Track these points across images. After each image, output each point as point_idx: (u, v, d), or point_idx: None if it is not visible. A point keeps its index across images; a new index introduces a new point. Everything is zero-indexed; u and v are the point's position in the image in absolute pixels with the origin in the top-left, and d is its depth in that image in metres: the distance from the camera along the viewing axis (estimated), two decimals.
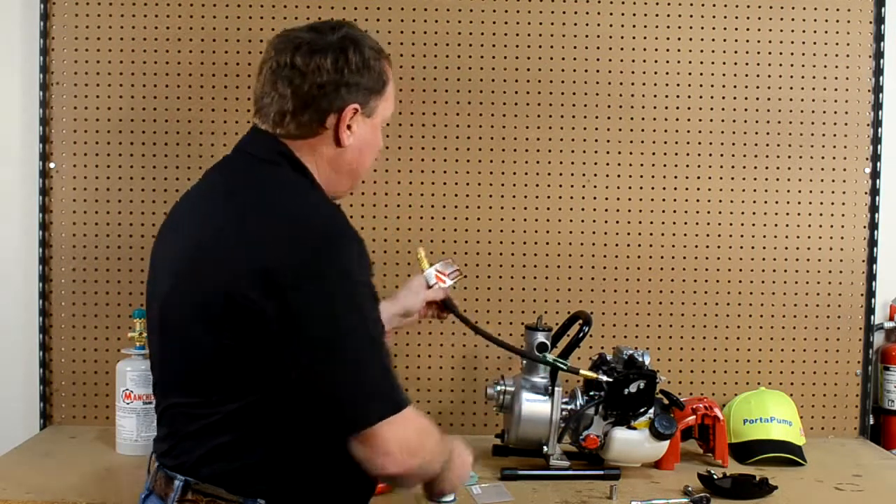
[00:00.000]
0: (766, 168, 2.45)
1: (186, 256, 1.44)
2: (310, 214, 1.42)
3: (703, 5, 2.43)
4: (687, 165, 2.44)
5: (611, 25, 2.43)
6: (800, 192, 2.45)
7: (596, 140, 2.44)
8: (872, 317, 2.46)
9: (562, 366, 1.97)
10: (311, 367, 1.36)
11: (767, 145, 2.45)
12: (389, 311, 1.91)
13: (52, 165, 2.41)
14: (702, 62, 2.43)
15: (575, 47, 2.43)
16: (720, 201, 2.45)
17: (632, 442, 2.01)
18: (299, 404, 1.38)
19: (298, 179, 1.48)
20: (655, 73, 2.43)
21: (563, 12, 2.43)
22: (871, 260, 2.46)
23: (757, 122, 2.45)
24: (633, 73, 2.43)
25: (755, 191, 2.45)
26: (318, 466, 1.44)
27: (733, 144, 2.45)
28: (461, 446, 1.59)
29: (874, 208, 2.46)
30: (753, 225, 2.45)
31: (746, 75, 2.44)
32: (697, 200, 2.45)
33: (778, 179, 2.45)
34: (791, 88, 2.44)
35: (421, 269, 2.01)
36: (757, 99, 2.44)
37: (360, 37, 1.51)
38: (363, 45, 1.49)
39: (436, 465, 1.49)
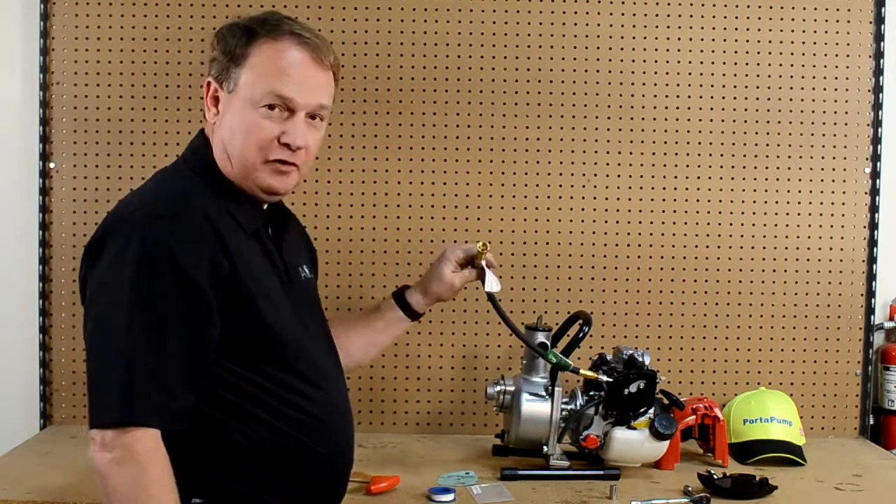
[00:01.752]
0: (766, 168, 2.45)
1: None
2: (132, 197, 1.45)
3: (703, 5, 2.43)
4: (687, 165, 2.44)
5: (611, 25, 2.43)
6: (800, 192, 2.45)
7: (596, 140, 2.44)
8: (872, 317, 2.46)
9: (564, 363, 1.96)
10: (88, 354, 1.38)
11: (767, 145, 2.45)
12: (419, 301, 1.93)
13: (52, 165, 2.41)
14: (702, 62, 2.43)
15: (575, 47, 2.43)
16: (720, 201, 2.45)
17: (632, 442, 2.01)
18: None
19: (176, 168, 1.53)
20: (655, 73, 2.43)
21: (563, 12, 2.43)
22: (871, 260, 2.46)
23: (757, 122, 2.45)
24: (633, 73, 2.43)
25: (755, 191, 2.45)
26: (249, 462, 1.43)
27: (733, 144, 2.45)
28: None
29: (874, 208, 2.46)
30: (753, 225, 2.45)
31: (746, 75, 2.44)
32: (697, 200, 2.45)
33: (778, 179, 2.45)
34: (791, 88, 2.44)
35: (481, 256, 1.93)
36: (757, 99, 2.44)
37: (250, 18, 1.51)
38: (233, 23, 1.51)
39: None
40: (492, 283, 1.92)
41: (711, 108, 2.44)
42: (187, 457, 1.38)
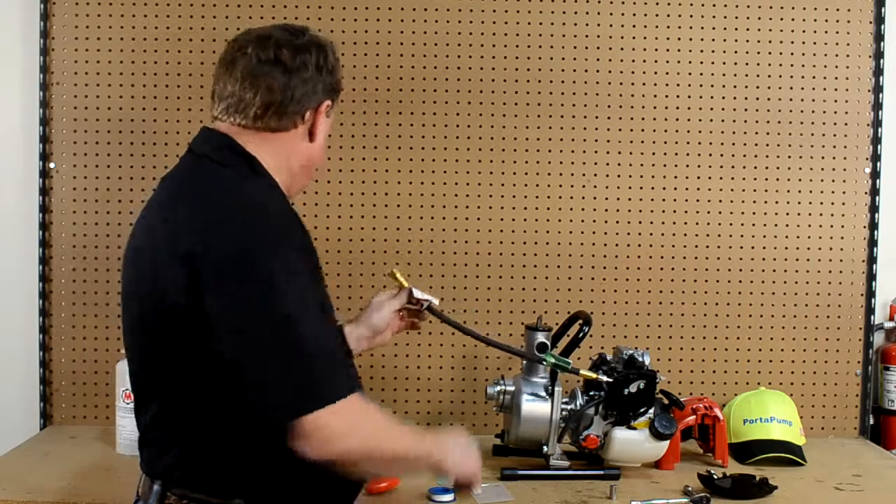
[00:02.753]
0: (766, 168, 2.45)
1: (131, 258, 1.50)
2: (244, 198, 1.43)
3: (703, 5, 2.43)
4: (687, 165, 2.44)
5: (611, 25, 2.43)
6: (800, 192, 2.45)
7: (596, 140, 2.44)
8: (872, 317, 2.46)
9: (564, 365, 1.97)
10: (238, 354, 1.36)
11: (767, 145, 2.45)
12: (354, 334, 1.86)
13: (52, 165, 2.41)
14: (702, 62, 2.43)
15: (575, 47, 2.43)
16: (720, 201, 2.45)
17: (632, 442, 2.01)
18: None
19: (236, 169, 1.49)
20: (655, 73, 2.43)
21: (563, 12, 2.43)
22: (871, 260, 2.46)
23: (757, 122, 2.45)
24: (633, 73, 2.43)
25: (755, 191, 2.45)
26: (290, 462, 1.42)
27: (733, 144, 2.45)
28: (454, 440, 1.58)
29: (874, 208, 2.46)
30: (753, 225, 2.45)
31: (746, 75, 2.44)
32: (697, 200, 2.45)
33: (778, 179, 2.45)
34: (791, 88, 2.44)
35: (395, 278, 1.91)
36: (757, 99, 2.44)
37: (326, 41, 1.57)
38: (330, 50, 1.57)
39: (388, 456, 1.45)
40: (423, 295, 1.88)
41: (711, 108, 2.44)
42: (234, 458, 1.41)
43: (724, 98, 2.44)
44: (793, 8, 2.43)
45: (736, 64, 2.44)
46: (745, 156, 2.45)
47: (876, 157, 2.46)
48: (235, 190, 1.44)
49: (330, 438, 1.35)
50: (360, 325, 1.88)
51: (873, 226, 2.46)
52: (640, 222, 2.44)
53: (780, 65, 2.44)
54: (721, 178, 2.45)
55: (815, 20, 2.43)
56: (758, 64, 2.44)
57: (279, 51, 1.49)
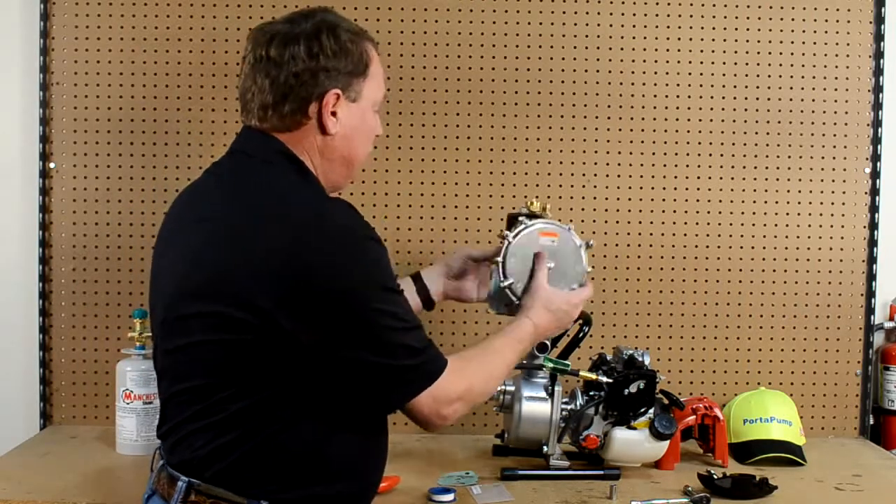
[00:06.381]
0: (766, 168, 2.45)
1: (192, 260, 1.42)
2: (323, 213, 1.41)
3: (703, 5, 2.43)
4: (687, 165, 2.44)
5: (611, 25, 2.43)
6: (800, 192, 2.45)
7: (596, 140, 2.44)
8: (872, 317, 2.46)
9: (563, 367, 1.96)
10: (352, 357, 1.38)
11: (767, 145, 2.45)
12: (433, 275, 2.00)
13: (52, 165, 2.41)
14: (702, 62, 2.43)
15: (575, 47, 2.43)
16: (720, 201, 2.45)
17: (632, 442, 2.01)
18: (314, 398, 1.41)
19: (299, 180, 1.48)
20: (655, 73, 2.43)
21: (563, 12, 2.43)
22: (871, 260, 2.46)
23: (757, 122, 2.45)
24: (633, 73, 2.43)
25: (755, 190, 2.45)
26: (323, 464, 1.45)
27: (733, 144, 2.45)
28: (536, 313, 1.70)
29: (874, 208, 2.46)
30: (753, 224, 2.45)
31: (746, 75, 2.44)
32: (697, 200, 2.45)
33: (778, 179, 2.45)
34: (791, 88, 2.44)
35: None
36: (757, 99, 2.44)
37: (336, 21, 1.50)
38: (338, 29, 1.48)
39: (494, 382, 1.63)
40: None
41: (711, 108, 2.44)
42: (272, 456, 1.41)
43: (724, 98, 2.44)
44: (793, 8, 2.43)
45: (736, 64, 2.44)
46: (745, 156, 2.45)
47: (876, 157, 2.45)
48: (328, 211, 1.42)
49: (443, 404, 1.47)
50: (439, 262, 2.02)
51: (873, 226, 2.46)
52: (639, 222, 2.44)
53: (780, 65, 2.44)
54: (721, 178, 2.45)
55: (815, 20, 2.43)
56: (758, 64, 2.44)
57: (269, 47, 1.45)
